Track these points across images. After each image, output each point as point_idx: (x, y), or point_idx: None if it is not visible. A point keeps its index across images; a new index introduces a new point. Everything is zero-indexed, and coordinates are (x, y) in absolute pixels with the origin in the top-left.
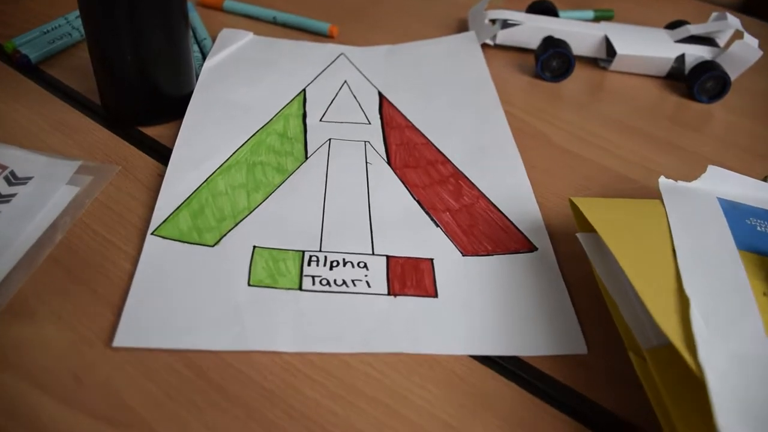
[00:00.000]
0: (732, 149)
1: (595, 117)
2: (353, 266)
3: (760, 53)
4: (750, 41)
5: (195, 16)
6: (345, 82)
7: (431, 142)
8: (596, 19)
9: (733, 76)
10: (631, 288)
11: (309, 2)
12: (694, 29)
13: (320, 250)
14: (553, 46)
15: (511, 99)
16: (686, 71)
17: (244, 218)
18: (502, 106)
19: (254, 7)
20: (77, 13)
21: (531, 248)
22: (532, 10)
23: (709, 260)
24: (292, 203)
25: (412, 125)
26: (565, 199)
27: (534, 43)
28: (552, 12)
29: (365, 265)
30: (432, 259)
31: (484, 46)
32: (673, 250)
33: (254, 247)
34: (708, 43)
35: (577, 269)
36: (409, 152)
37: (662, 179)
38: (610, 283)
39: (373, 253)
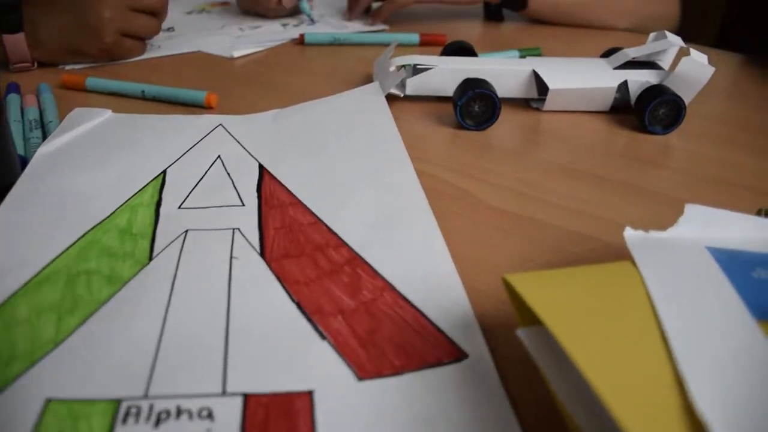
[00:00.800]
0: (701, 182)
1: (533, 165)
2: (191, 417)
3: (711, 69)
4: (698, 57)
5: (48, 97)
6: (218, 157)
7: (321, 221)
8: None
9: (686, 99)
10: (598, 402)
11: (189, 72)
12: (633, 52)
13: (145, 396)
14: (472, 88)
15: (428, 155)
16: (632, 101)
17: (44, 356)
18: (416, 165)
19: (119, 83)
20: None
21: (459, 356)
22: (448, 52)
23: (716, 345)
24: (118, 327)
25: (299, 201)
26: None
27: (451, 88)
28: (470, 53)
29: (209, 414)
30: (312, 392)
31: (393, 98)
32: (661, 334)
33: (48, 400)
34: (651, 66)
35: (525, 378)
36: (291, 237)
37: (628, 232)
38: (568, 394)
39: (224, 393)
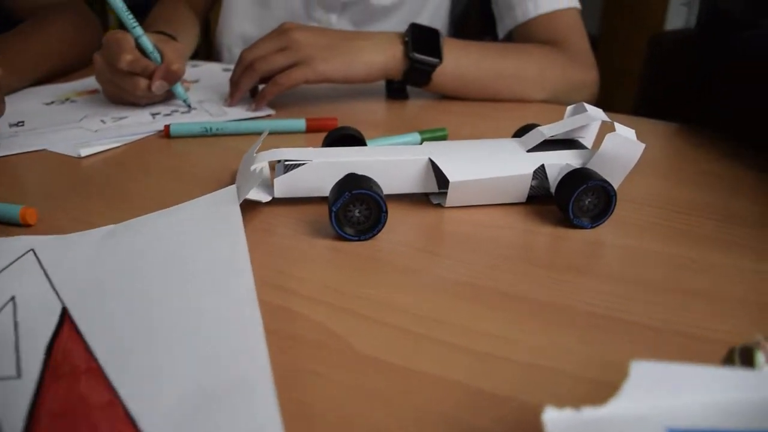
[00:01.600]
0: (644, 291)
1: (429, 288)
2: None
3: (641, 146)
4: (625, 132)
5: None
6: (12, 299)
7: (120, 400)
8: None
9: (615, 182)
10: None
11: (24, 176)
12: (548, 131)
13: None
14: (349, 188)
15: (293, 282)
16: (552, 188)
17: None
18: (274, 297)
19: None
20: None
21: None
22: (331, 141)
23: None
24: None
25: (98, 367)
26: None
27: (330, 188)
28: (357, 141)
29: None
30: None
31: (254, 206)
32: None
33: None
34: (572, 146)
35: None
36: (71, 427)
37: (549, 415)
38: None
39: None
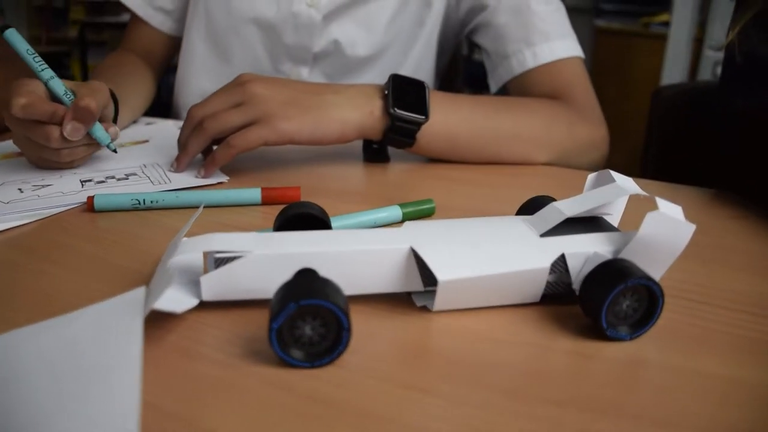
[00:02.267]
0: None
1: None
2: None
3: (691, 227)
4: (669, 210)
5: None
6: None
7: None
8: (406, 219)
9: (657, 275)
10: None
11: None
12: (569, 208)
13: None
14: (296, 296)
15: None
16: (576, 285)
17: None
18: None
19: None
20: None
21: None
22: (283, 222)
23: None
24: None
25: None
26: None
27: (275, 288)
28: (319, 222)
29: None
30: None
31: (171, 319)
32: None
33: None
34: (597, 227)
35: None
36: None
37: None
38: None
39: None
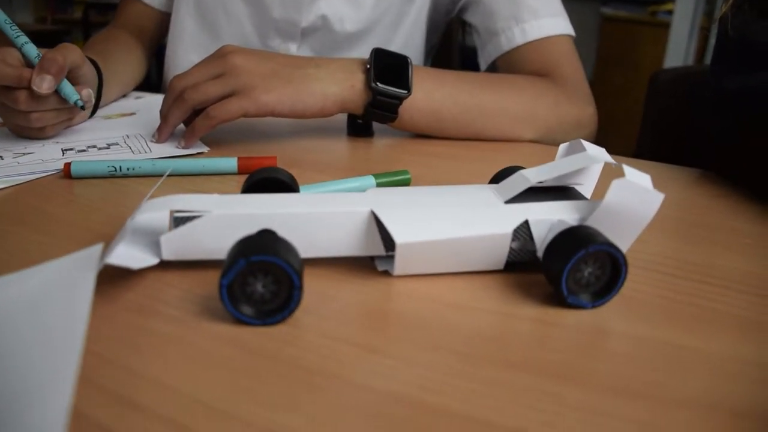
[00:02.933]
0: (669, 408)
1: (361, 407)
2: None
3: (660, 196)
4: (637, 178)
5: None
6: None
7: None
8: (380, 184)
9: (625, 245)
10: None
11: None
12: (535, 175)
13: None
14: (247, 252)
15: (147, 391)
16: (540, 253)
17: None
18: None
19: None
20: None
21: None
22: (250, 186)
23: None
24: None
25: None
26: None
27: (225, 248)
28: (286, 188)
29: None
30: None
31: (143, 270)
32: None
33: None
34: (566, 196)
35: None
36: None
37: None
38: None
39: None
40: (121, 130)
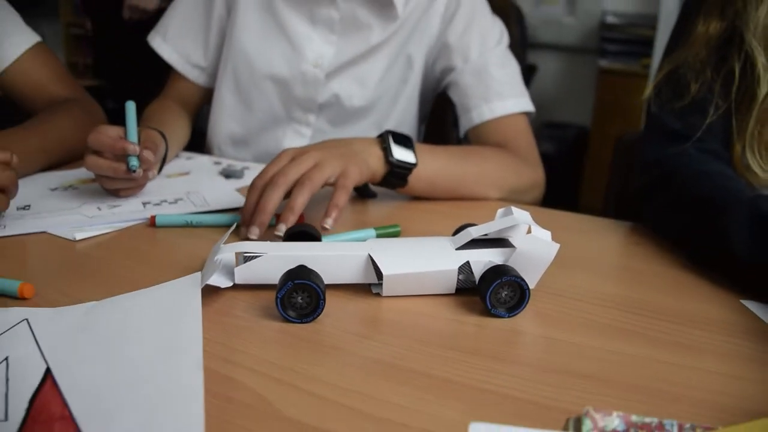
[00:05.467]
0: (549, 375)
1: (356, 364)
2: None
3: (556, 246)
4: (540, 234)
5: None
6: (5, 359)
7: None
8: (379, 237)
9: (533, 279)
10: None
11: (25, 256)
12: (476, 231)
13: None
14: (293, 278)
15: (239, 355)
16: (477, 282)
17: None
18: (221, 367)
19: None
20: None
21: None
22: (288, 237)
23: None
24: None
25: (70, 416)
26: None
27: (279, 275)
28: (313, 237)
29: None
30: None
31: (217, 290)
32: None
33: None
34: (499, 245)
35: None
36: None
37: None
38: None
39: None
40: (182, 188)
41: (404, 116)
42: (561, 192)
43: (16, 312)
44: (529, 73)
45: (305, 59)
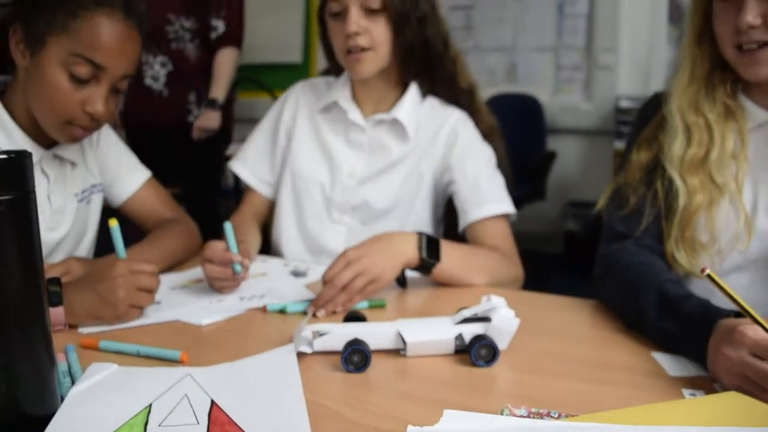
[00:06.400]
0: (514, 401)
1: (393, 395)
2: None
3: (517, 322)
4: (506, 313)
5: (73, 356)
6: (185, 395)
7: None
8: (370, 308)
9: (503, 342)
10: None
11: (170, 335)
12: (467, 312)
13: None
14: (351, 345)
15: (321, 390)
16: (467, 345)
17: None
18: (311, 397)
19: (122, 344)
20: None
21: None
22: (347, 319)
23: None
24: None
25: (233, 421)
26: None
27: (342, 344)
28: (362, 319)
29: None
30: None
31: (303, 355)
32: None
33: None
34: (484, 320)
35: None
36: None
37: (411, 429)
38: None
39: None
40: (265, 285)
41: (421, 217)
42: (591, 263)
43: (182, 370)
44: (549, 159)
45: (342, 171)
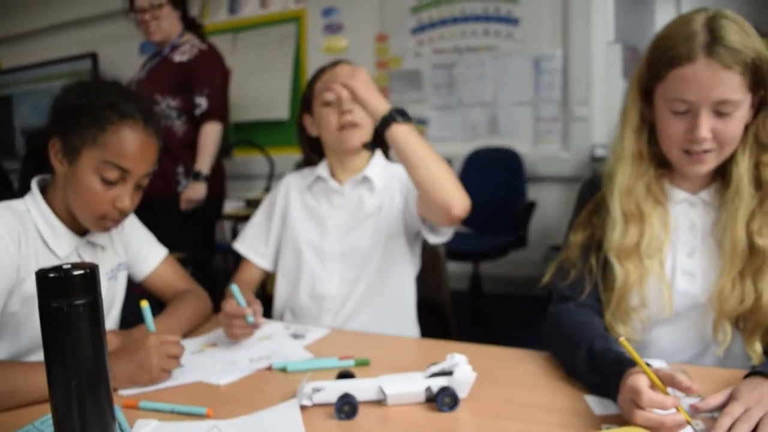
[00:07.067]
0: None
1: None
2: None
3: (474, 375)
4: (465, 368)
5: (120, 416)
6: None
7: None
8: (357, 365)
9: (463, 392)
10: None
11: (192, 392)
12: (435, 368)
13: None
14: (342, 398)
15: None
16: (434, 395)
17: None
18: None
19: (159, 404)
20: (43, 418)
21: None
22: (339, 377)
23: None
24: None
25: None
26: None
27: (335, 398)
28: (351, 376)
29: None
30: None
31: (305, 407)
32: None
33: None
34: (449, 374)
35: None
36: None
37: None
38: None
39: None
40: (269, 346)
41: (395, 256)
42: None
43: (209, 423)
44: (529, 209)
45: (329, 226)
